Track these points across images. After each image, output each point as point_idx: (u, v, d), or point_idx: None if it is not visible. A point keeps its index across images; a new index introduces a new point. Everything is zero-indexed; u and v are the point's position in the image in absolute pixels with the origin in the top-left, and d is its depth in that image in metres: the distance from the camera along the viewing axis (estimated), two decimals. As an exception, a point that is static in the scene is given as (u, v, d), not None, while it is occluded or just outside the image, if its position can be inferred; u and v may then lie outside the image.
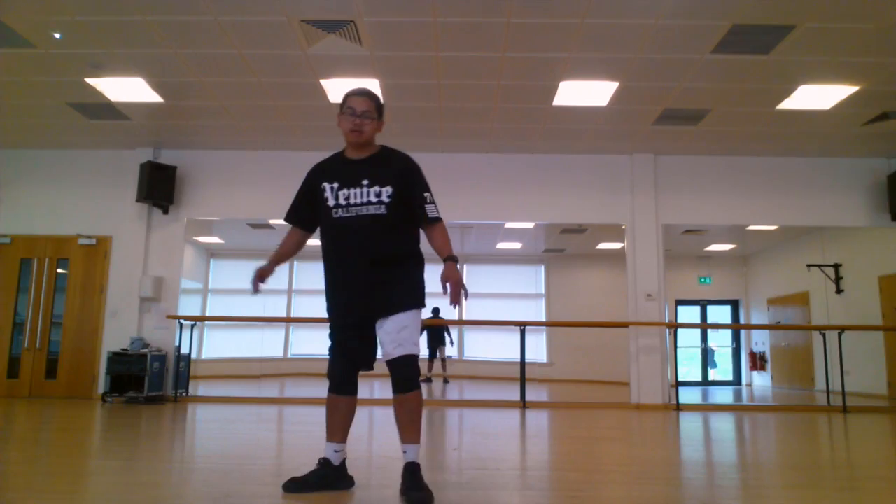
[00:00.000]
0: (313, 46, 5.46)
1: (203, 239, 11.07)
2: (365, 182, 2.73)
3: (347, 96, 2.80)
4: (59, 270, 8.00)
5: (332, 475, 2.73)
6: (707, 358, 13.50)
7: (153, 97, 6.54)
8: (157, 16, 5.01)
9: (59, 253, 8.00)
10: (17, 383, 7.73)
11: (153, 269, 7.91)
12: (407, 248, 2.79)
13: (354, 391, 2.80)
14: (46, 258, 7.98)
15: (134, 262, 7.84)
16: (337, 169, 2.81)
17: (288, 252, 2.95)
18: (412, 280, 2.77)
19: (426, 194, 2.79)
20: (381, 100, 2.87)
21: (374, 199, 2.70)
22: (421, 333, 2.81)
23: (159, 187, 7.75)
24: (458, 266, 2.69)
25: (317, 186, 2.81)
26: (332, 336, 2.82)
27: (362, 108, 2.74)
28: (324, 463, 2.74)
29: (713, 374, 13.40)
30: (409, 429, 2.67)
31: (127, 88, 6.36)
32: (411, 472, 2.61)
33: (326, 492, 2.70)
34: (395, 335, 2.66)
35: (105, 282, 7.89)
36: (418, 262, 2.82)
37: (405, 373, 2.67)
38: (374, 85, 6.13)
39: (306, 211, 2.89)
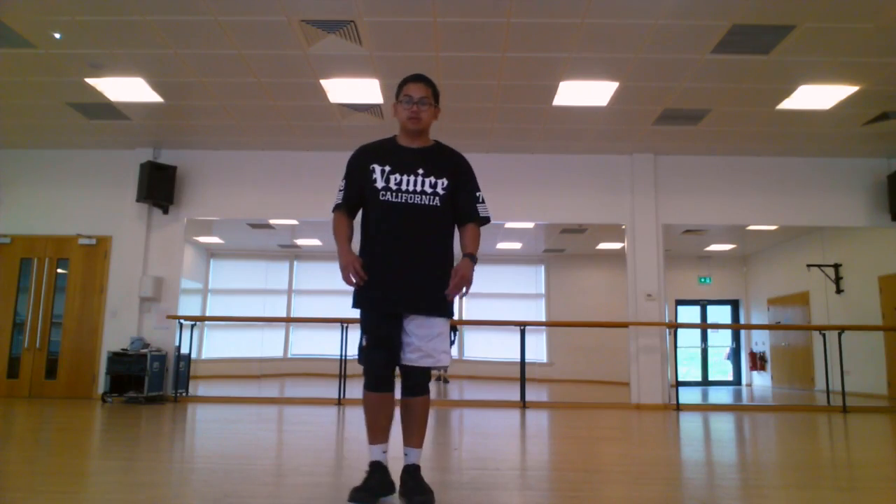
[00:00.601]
0: (313, 46, 5.46)
1: (203, 239, 11.08)
2: (420, 171, 2.68)
3: (403, 84, 2.73)
4: (59, 270, 8.00)
5: (387, 478, 2.59)
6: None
7: (153, 97, 6.54)
8: (157, 16, 5.01)
9: (59, 253, 8.00)
10: (17, 383, 7.73)
11: (153, 269, 7.90)
12: (449, 245, 2.72)
13: (393, 387, 2.62)
14: (46, 258, 7.98)
15: (134, 262, 7.84)
16: (389, 153, 2.71)
17: (350, 233, 2.74)
18: (446, 285, 2.64)
19: (479, 193, 2.81)
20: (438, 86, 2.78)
21: (428, 190, 2.66)
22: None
23: (159, 187, 7.75)
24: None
25: (365, 167, 2.70)
26: (366, 329, 2.62)
27: (419, 94, 2.68)
28: (377, 466, 2.57)
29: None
30: (413, 432, 2.64)
31: (127, 88, 6.36)
32: (412, 474, 2.59)
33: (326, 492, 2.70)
34: (427, 342, 2.57)
35: (105, 282, 7.89)
36: (450, 266, 2.69)
37: (420, 379, 2.63)
38: (374, 85, 6.14)
39: (358, 196, 2.73)
